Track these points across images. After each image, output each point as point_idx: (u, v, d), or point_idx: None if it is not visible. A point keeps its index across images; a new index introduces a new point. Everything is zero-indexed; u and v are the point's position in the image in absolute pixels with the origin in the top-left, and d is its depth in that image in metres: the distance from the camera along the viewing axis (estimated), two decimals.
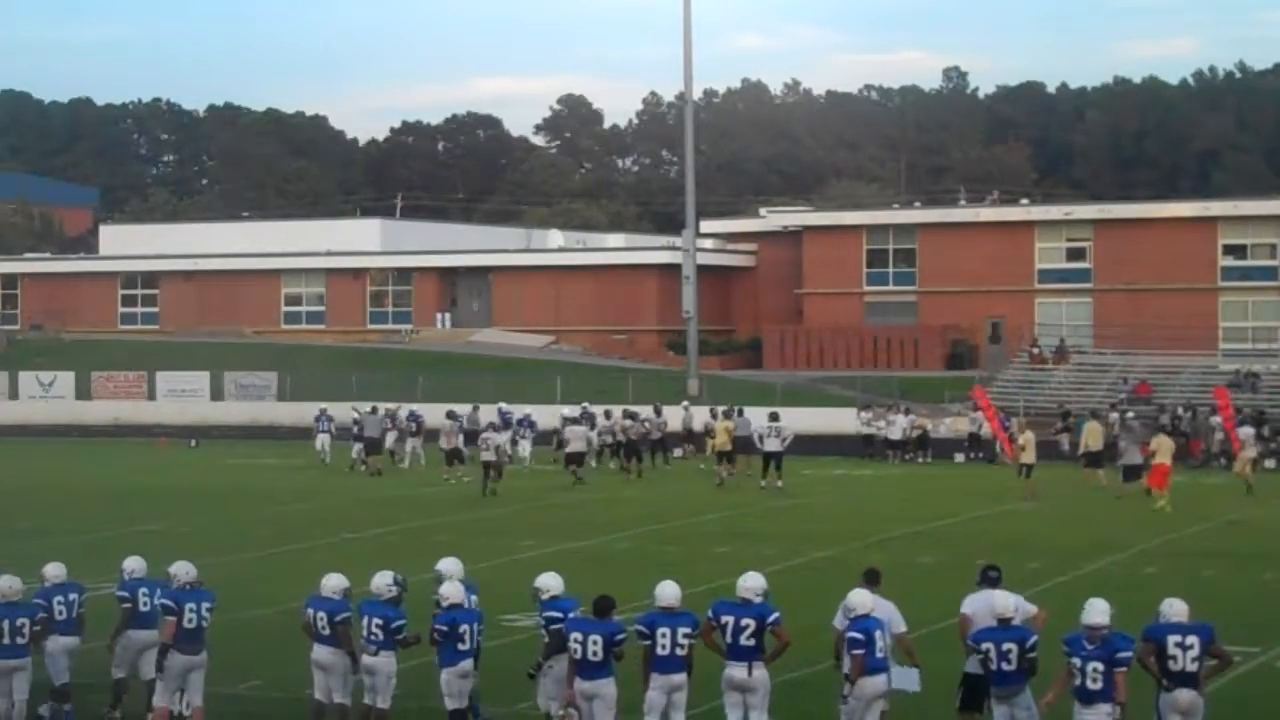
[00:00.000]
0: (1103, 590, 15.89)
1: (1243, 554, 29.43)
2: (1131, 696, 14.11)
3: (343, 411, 50.48)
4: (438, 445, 44.78)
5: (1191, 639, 13.95)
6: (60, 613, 16.69)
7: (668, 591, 14.93)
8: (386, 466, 46.39)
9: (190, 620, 15.99)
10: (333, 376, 63.51)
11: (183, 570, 16.39)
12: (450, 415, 45.42)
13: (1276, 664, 19.66)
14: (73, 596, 16.84)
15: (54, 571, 16.96)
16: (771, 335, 71.05)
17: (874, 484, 43.22)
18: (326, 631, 16.01)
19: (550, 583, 15.77)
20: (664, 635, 14.65)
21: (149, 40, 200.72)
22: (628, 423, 46.58)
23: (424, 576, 16.44)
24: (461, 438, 44.39)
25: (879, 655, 14.67)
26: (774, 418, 41.17)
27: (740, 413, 44.39)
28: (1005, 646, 14.43)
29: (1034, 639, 14.55)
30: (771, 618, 14.85)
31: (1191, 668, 13.89)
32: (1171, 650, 13.97)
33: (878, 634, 14.68)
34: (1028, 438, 40.03)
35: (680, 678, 14.76)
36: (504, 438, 44.54)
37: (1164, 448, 37.21)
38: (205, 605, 16.15)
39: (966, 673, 15.27)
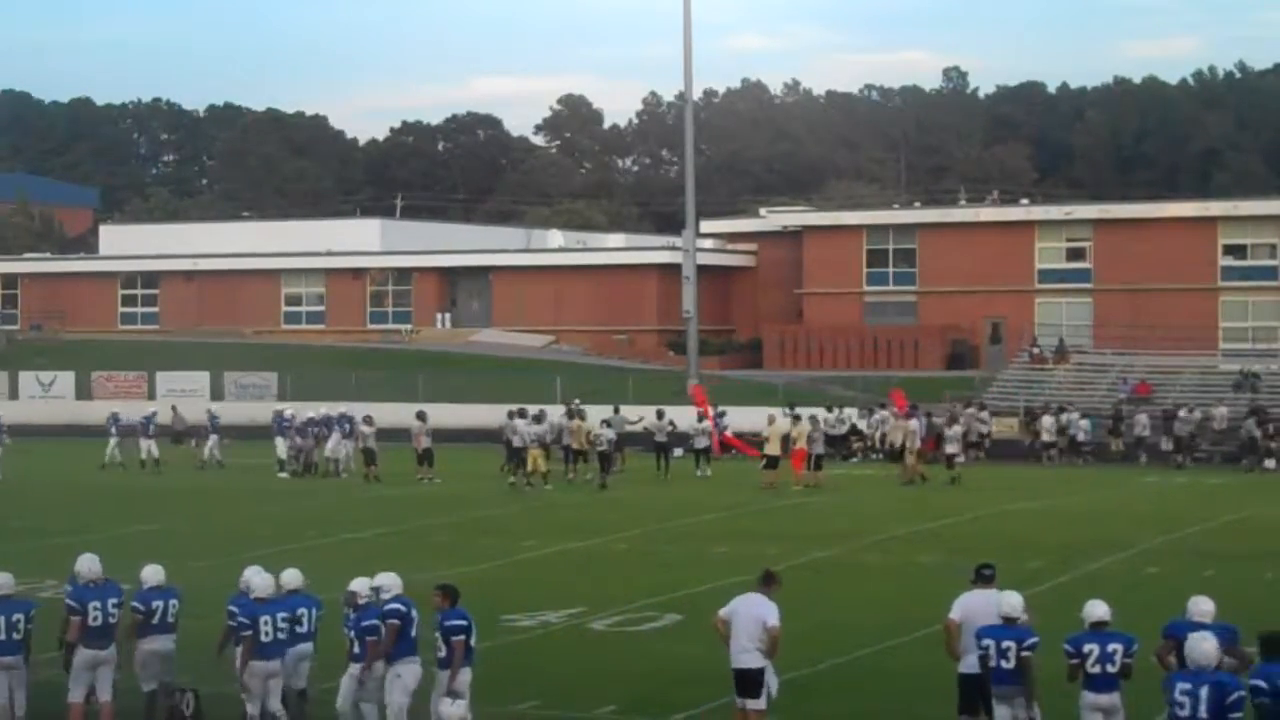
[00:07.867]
0: (1104, 590, 15.87)
1: (1243, 554, 29.38)
2: (1133, 699, 14.11)
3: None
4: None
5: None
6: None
7: (1098, 611, 14.38)
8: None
9: (96, 618, 15.86)
10: (333, 376, 63.43)
11: (87, 568, 16.27)
12: (420, 416, 45.28)
13: None
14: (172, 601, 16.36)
15: (151, 574, 16.50)
16: (771, 335, 71.02)
17: (874, 484, 43.17)
18: (304, 629, 15.87)
19: (389, 581, 15.52)
20: (1092, 651, 14.11)
21: (149, 40, 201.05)
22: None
23: (419, 577, 16.39)
24: (428, 439, 44.03)
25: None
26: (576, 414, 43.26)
27: (583, 416, 44.00)
28: (1005, 645, 14.45)
29: (1033, 640, 14.53)
30: None
31: None
32: None
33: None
34: (907, 427, 42.91)
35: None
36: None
37: (774, 435, 41.45)
38: (112, 601, 16.00)
39: (961, 674, 15.18)
